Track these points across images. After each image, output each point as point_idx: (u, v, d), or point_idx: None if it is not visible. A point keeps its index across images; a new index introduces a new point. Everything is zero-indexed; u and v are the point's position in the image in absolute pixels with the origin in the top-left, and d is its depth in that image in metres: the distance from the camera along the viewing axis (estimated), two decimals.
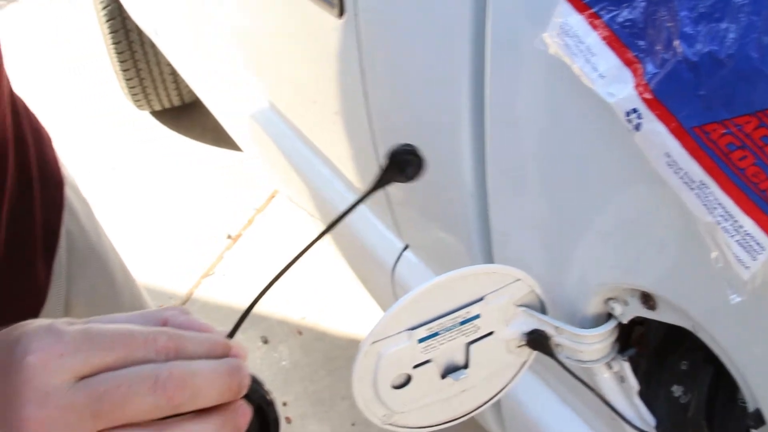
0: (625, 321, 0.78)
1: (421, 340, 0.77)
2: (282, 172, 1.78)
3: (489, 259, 1.00)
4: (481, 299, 0.78)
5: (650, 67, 0.54)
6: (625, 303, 0.76)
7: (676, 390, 0.80)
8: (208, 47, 1.84)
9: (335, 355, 2.28)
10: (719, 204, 0.51)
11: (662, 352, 0.83)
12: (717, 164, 0.50)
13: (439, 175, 0.97)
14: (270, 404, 0.57)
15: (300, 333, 2.33)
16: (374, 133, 1.10)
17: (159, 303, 2.41)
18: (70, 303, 0.93)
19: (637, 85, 0.54)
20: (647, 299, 0.72)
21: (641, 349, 0.84)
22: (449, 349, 0.80)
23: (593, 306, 0.80)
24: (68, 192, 0.94)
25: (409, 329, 0.76)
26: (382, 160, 0.53)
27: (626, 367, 0.83)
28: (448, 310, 0.77)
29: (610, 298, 0.78)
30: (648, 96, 0.53)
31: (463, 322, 0.79)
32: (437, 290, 0.75)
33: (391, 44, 0.97)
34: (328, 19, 1.06)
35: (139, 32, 2.57)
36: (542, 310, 0.82)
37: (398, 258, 1.28)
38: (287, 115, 1.57)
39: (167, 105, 2.93)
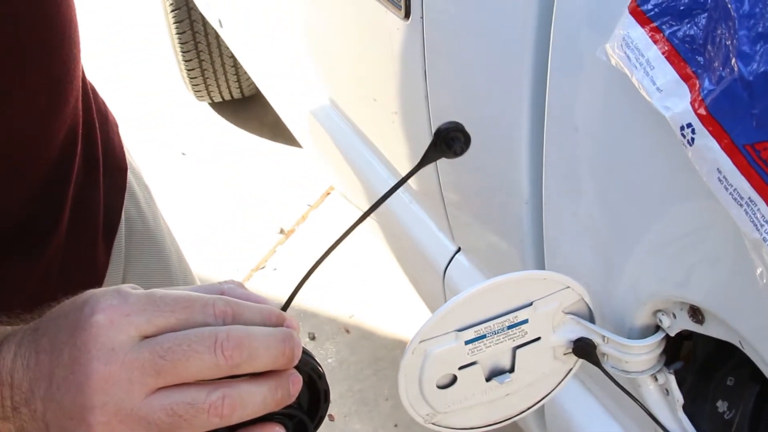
0: (672, 334, 0.80)
1: (468, 342, 0.80)
2: (338, 169, 1.82)
3: (540, 265, 1.02)
4: (529, 304, 0.81)
5: (707, 84, 0.56)
6: (674, 316, 0.78)
7: (721, 406, 0.81)
8: (272, 41, 1.89)
9: (381, 355, 2.32)
10: (766, 221, 0.53)
11: (708, 367, 0.85)
12: (766, 182, 0.52)
13: (496, 180, 1.00)
14: (321, 376, 0.60)
15: (347, 331, 2.37)
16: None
17: None
18: (127, 283, 0.98)
19: (693, 101, 0.57)
20: (695, 313, 0.74)
21: (688, 364, 0.86)
22: (495, 353, 0.83)
23: (641, 317, 0.82)
24: (130, 177, 0.99)
25: (457, 330, 0.79)
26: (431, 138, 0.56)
27: (672, 380, 0.85)
28: (497, 314, 0.80)
29: (658, 310, 0.80)
30: (702, 112, 0.56)
31: (510, 326, 0.81)
32: (487, 293, 0.78)
33: (455, 48, 1.01)
34: (393, 20, 1.09)
35: (204, 23, 2.64)
36: (590, 318, 0.85)
37: (450, 260, 1.31)
38: (347, 113, 1.61)
39: (227, 97, 3.00)
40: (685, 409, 0.86)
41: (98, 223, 0.92)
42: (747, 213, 0.54)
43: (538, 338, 0.84)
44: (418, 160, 0.55)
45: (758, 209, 0.53)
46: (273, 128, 3.01)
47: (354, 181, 1.68)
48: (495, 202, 1.04)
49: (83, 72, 0.87)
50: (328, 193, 2.84)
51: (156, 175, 2.83)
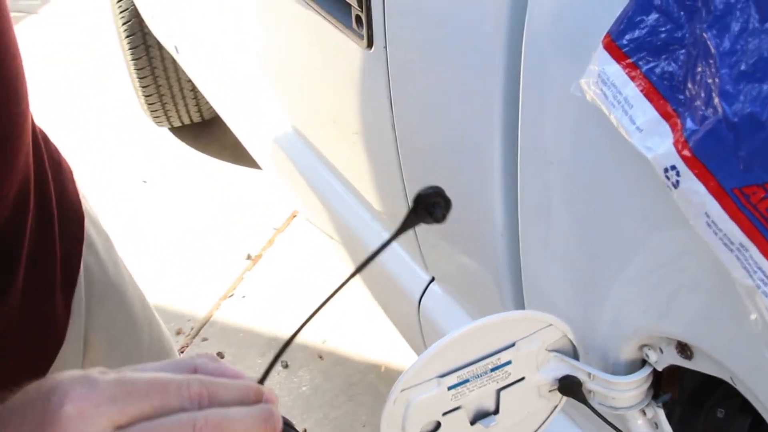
0: (660, 368, 0.79)
1: (451, 388, 0.78)
2: (301, 193, 1.80)
3: (518, 296, 1.01)
4: (512, 345, 0.79)
5: (689, 123, 0.55)
6: (660, 350, 0.77)
7: None
8: (231, 66, 1.86)
9: (355, 380, 2.29)
10: (759, 268, 0.51)
11: (697, 399, 0.84)
12: (757, 228, 0.51)
13: (469, 212, 0.98)
14: None
15: (321, 357, 2.34)
16: (402, 164, 1.11)
17: (177, 326, 2.43)
18: (89, 338, 0.95)
19: (676, 142, 0.55)
20: (683, 348, 0.73)
21: (674, 394, 0.85)
22: (479, 396, 0.81)
23: (627, 352, 0.81)
24: (88, 226, 0.96)
25: (438, 376, 0.77)
26: (410, 202, 0.55)
27: (660, 414, 0.84)
28: (479, 357, 0.78)
29: (644, 345, 0.79)
30: (687, 153, 0.54)
31: (494, 369, 0.80)
32: (468, 337, 0.77)
33: (421, 78, 0.99)
34: (356, 50, 1.07)
35: (160, 48, 2.60)
36: (574, 355, 0.83)
37: (424, 290, 1.29)
38: (309, 138, 1.59)
39: (187, 121, 2.96)
40: None
41: (56, 277, 0.89)
42: (738, 259, 0.53)
43: (522, 378, 0.82)
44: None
45: (750, 255, 0.52)
46: (234, 151, 2.97)
47: (318, 206, 1.66)
48: (469, 233, 1.02)
49: (33, 122, 0.83)
50: (294, 216, 2.81)
51: (113, 209, 2.79)
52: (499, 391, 0.82)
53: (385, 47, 1.00)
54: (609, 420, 0.86)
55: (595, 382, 0.82)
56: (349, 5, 1.04)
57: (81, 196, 0.97)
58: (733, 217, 0.52)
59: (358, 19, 1.03)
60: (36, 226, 0.84)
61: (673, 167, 0.56)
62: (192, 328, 2.42)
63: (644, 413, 0.85)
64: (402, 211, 1.19)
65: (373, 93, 1.10)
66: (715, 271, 0.63)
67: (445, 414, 0.80)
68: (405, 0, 0.94)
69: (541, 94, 0.78)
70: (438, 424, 0.81)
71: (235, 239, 2.73)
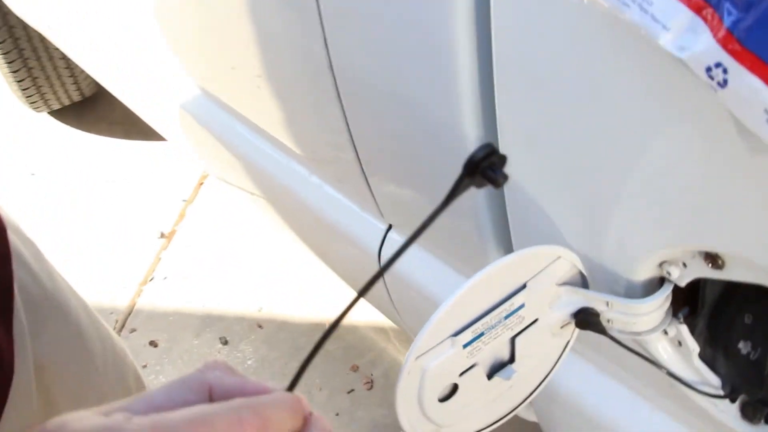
0: (683, 284, 0.75)
1: (466, 345, 0.73)
2: (213, 153, 1.70)
3: (503, 233, 0.95)
4: (523, 287, 0.74)
5: (731, 12, 0.49)
6: (684, 265, 0.72)
7: (744, 347, 0.77)
8: (116, 35, 1.72)
9: (302, 343, 2.23)
10: None
11: (720, 308, 0.80)
12: None
13: (436, 133, 0.91)
14: None
15: (260, 326, 2.26)
16: (344, 105, 1.03)
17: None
18: (40, 364, 0.85)
19: (718, 35, 0.49)
20: (713, 259, 0.68)
21: (694, 308, 0.81)
22: (494, 348, 0.76)
23: (644, 272, 0.76)
24: (11, 237, 0.85)
25: (452, 335, 0.71)
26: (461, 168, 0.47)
27: (683, 330, 0.80)
28: (491, 306, 0.73)
29: (664, 262, 0.74)
30: (735, 47, 0.48)
31: (507, 316, 0.74)
32: (476, 289, 0.71)
33: None
34: None
35: (25, 27, 2.41)
36: (585, 285, 0.79)
37: (383, 240, 1.22)
38: (214, 92, 1.49)
39: (66, 102, 2.77)
40: (701, 356, 0.81)
41: None
42: None
43: (536, 320, 0.77)
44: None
45: None
46: (125, 126, 2.82)
47: (233, 161, 1.57)
48: (437, 161, 0.95)
49: None
50: (201, 183, 2.69)
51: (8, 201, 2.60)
52: (513, 338, 0.77)
53: None
54: (629, 347, 0.82)
55: (614, 309, 0.77)
56: None
57: None
58: None
59: None
60: None
61: (718, 64, 0.50)
62: (117, 321, 2.30)
63: (666, 333, 0.81)
64: (353, 161, 1.11)
65: (301, 27, 1.00)
66: (749, 168, 0.58)
67: (461, 374, 0.75)
68: None
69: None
70: (455, 387, 0.76)
71: (143, 219, 2.60)
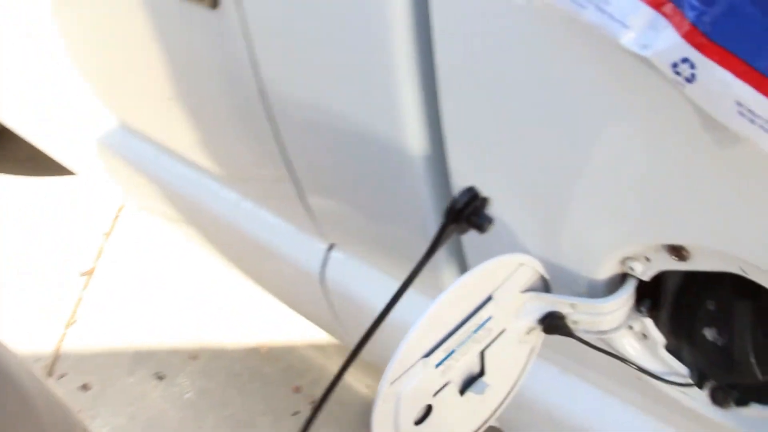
0: (646, 279, 0.75)
1: (438, 365, 0.71)
2: (135, 184, 1.65)
3: (454, 243, 0.94)
4: (489, 299, 0.72)
5: (694, 6, 0.48)
6: (647, 260, 0.72)
7: (709, 333, 0.77)
8: (22, 71, 1.65)
9: (238, 370, 2.18)
10: None
11: (681, 298, 0.80)
12: None
13: (377, 144, 0.89)
14: None
15: (195, 358, 2.20)
16: (279, 125, 1.00)
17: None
18: None
19: (683, 30, 0.49)
20: (677, 251, 0.68)
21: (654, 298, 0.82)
22: (465, 364, 0.75)
23: (607, 270, 0.76)
24: None
25: (423, 357, 0.69)
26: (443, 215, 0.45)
27: (648, 324, 0.81)
28: (459, 323, 0.71)
29: (627, 258, 0.74)
30: (702, 41, 0.48)
31: (476, 330, 0.73)
32: (444, 308, 0.69)
33: (293, 18, 0.86)
34: (196, 14, 0.94)
35: None
36: (547, 290, 0.78)
37: (324, 261, 1.20)
38: (137, 125, 1.44)
39: None
40: (667, 347, 0.82)
41: None
42: None
43: (503, 331, 0.76)
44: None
45: None
46: (33, 163, 2.71)
47: (159, 192, 1.52)
48: (380, 176, 0.93)
49: None
50: (118, 216, 2.61)
51: None
52: (482, 351, 0.76)
53: (237, 2, 0.88)
54: (597, 346, 0.82)
55: (580, 311, 0.77)
56: None
57: None
58: None
59: None
60: None
61: (685, 60, 0.49)
62: (45, 367, 2.21)
63: (630, 328, 0.81)
64: (287, 182, 1.08)
65: (228, 57, 0.97)
66: (711, 159, 0.58)
67: (435, 395, 0.73)
68: None
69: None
70: (429, 408, 0.74)
71: (61, 258, 2.51)
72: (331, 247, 1.19)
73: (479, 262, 0.68)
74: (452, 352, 0.72)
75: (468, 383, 0.77)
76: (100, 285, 2.43)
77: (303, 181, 1.06)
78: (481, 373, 0.77)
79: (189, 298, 2.33)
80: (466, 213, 0.43)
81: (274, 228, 1.26)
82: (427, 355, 0.70)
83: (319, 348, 2.17)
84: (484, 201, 0.43)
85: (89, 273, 2.46)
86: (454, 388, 0.75)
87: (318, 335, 2.17)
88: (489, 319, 0.73)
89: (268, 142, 1.03)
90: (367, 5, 0.76)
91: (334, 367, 2.09)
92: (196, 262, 2.39)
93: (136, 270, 2.43)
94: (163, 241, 2.47)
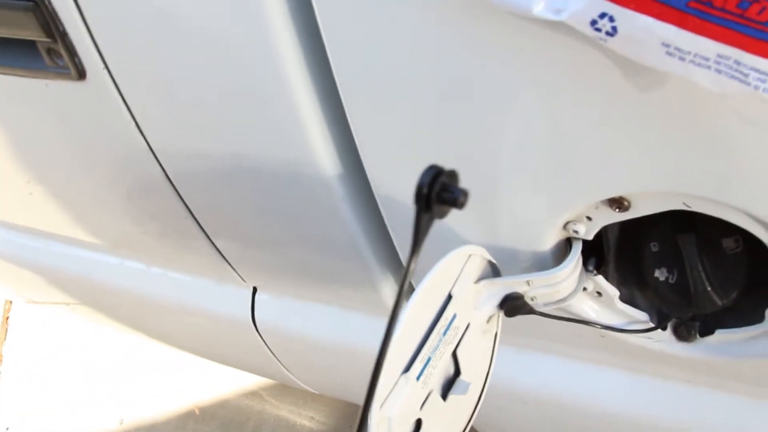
0: (590, 237, 0.76)
1: (419, 376, 0.70)
2: (23, 277, 1.58)
3: (388, 256, 0.93)
4: (450, 297, 0.72)
5: None
6: (588, 219, 0.73)
7: (660, 274, 0.79)
8: None
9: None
10: (751, 68, 0.48)
11: (623, 248, 0.82)
12: (733, 29, 0.47)
13: (298, 179, 0.87)
14: None
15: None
16: (177, 187, 0.97)
17: None
18: None
19: None
20: (618, 202, 0.69)
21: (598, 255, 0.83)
22: (441, 369, 0.74)
23: (551, 239, 0.77)
24: None
25: (403, 372, 0.68)
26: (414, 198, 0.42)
27: (600, 280, 0.82)
28: (428, 329, 0.70)
29: (568, 222, 0.74)
30: None
31: (445, 332, 0.72)
32: (411, 321, 0.68)
33: (173, 70, 0.83)
34: (62, 88, 0.90)
35: None
36: (497, 274, 0.78)
37: (252, 305, 1.17)
38: (9, 217, 1.38)
39: None
40: (621, 298, 0.83)
41: None
42: (720, 72, 0.49)
43: (468, 325, 0.76)
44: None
45: (734, 61, 0.48)
46: None
47: (42, 277, 1.46)
48: (299, 209, 0.91)
49: None
50: (7, 318, 2.48)
51: None
52: (454, 351, 0.75)
53: (106, 68, 0.85)
54: (558, 315, 0.83)
55: (535, 285, 0.77)
56: (32, 42, 0.86)
57: None
58: (701, 31, 0.48)
59: (52, 52, 0.86)
60: None
61: (603, 15, 0.50)
62: None
63: (585, 289, 0.82)
64: (195, 232, 1.05)
65: (104, 125, 0.93)
66: (639, 106, 0.59)
67: (422, 407, 0.72)
68: (115, 4, 0.78)
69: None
70: (419, 422, 0.73)
71: None
72: (255, 291, 1.16)
73: (425, 266, 0.67)
74: (429, 359, 0.71)
75: (447, 387, 0.76)
76: (8, 392, 2.31)
77: (211, 232, 1.03)
78: (457, 372, 0.77)
79: (106, 380, 2.24)
80: (435, 193, 0.41)
81: (192, 286, 1.22)
82: (406, 369, 0.68)
83: (251, 394, 2.13)
84: (450, 174, 0.42)
85: None
86: (436, 396, 0.74)
87: (245, 382, 2.13)
88: (454, 317, 0.73)
89: (171, 203, 1.00)
90: (250, 37, 0.74)
91: (273, 410, 2.06)
92: (104, 342, 2.31)
93: (42, 366, 2.32)
94: (63, 328, 2.37)
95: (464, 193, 0.42)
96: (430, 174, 0.42)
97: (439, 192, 0.42)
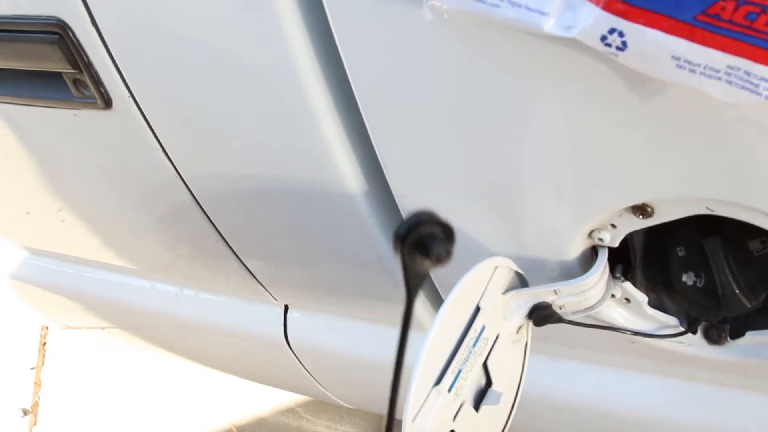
0: (616, 245, 0.77)
1: (450, 388, 0.72)
2: (55, 303, 1.61)
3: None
4: (478, 309, 0.74)
5: None
6: (613, 226, 0.75)
7: (687, 278, 0.80)
8: None
9: None
10: (762, 79, 0.49)
11: (650, 254, 0.84)
12: (742, 41, 0.49)
13: (324, 206, 0.89)
14: None
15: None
16: (207, 211, 1.00)
17: None
18: None
19: (602, 2, 0.51)
20: (642, 209, 0.71)
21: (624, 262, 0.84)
22: (472, 380, 0.76)
23: (577, 248, 0.78)
24: None
25: (435, 385, 0.70)
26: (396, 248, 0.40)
27: (628, 287, 0.83)
28: (458, 341, 0.72)
29: (593, 230, 0.76)
30: (624, 8, 0.51)
31: (475, 344, 0.74)
32: (440, 333, 0.70)
33: (195, 99, 0.86)
34: (89, 117, 0.93)
35: None
36: (525, 285, 0.80)
37: (285, 323, 1.19)
38: (45, 245, 1.41)
39: None
40: (650, 304, 0.85)
41: None
42: (732, 83, 0.50)
43: (498, 336, 0.78)
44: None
45: (744, 71, 0.50)
46: None
47: (77, 303, 1.50)
48: (323, 223, 0.94)
49: None
50: (44, 343, 2.53)
51: None
52: (485, 362, 0.77)
53: (132, 96, 0.88)
54: (589, 323, 0.84)
55: (563, 294, 0.79)
56: (58, 74, 0.89)
57: None
58: (710, 44, 0.50)
59: (79, 82, 0.89)
60: None
61: (613, 30, 0.52)
62: None
63: (613, 296, 0.84)
64: (224, 251, 1.08)
65: (132, 152, 0.96)
66: (661, 113, 0.61)
67: (455, 419, 0.74)
68: (138, 34, 0.81)
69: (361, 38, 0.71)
70: None
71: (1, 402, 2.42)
72: (287, 309, 1.19)
73: (452, 279, 0.70)
74: (459, 371, 0.73)
75: (480, 397, 0.78)
76: (45, 418, 2.35)
77: (241, 252, 1.05)
78: (489, 383, 0.79)
79: (144, 404, 2.27)
80: (410, 242, 0.38)
81: (224, 307, 1.25)
82: (438, 382, 0.70)
83: (288, 411, 2.15)
84: (445, 228, 0.38)
85: (33, 409, 2.38)
86: (469, 407, 0.76)
87: (281, 399, 2.15)
88: (483, 328, 0.75)
89: (198, 223, 1.03)
90: (277, 64, 0.76)
91: (310, 426, 2.08)
92: (139, 365, 2.34)
93: (78, 396, 2.36)
94: (99, 352, 2.41)
95: (449, 250, 0.38)
96: (407, 224, 0.39)
97: (416, 243, 0.39)
